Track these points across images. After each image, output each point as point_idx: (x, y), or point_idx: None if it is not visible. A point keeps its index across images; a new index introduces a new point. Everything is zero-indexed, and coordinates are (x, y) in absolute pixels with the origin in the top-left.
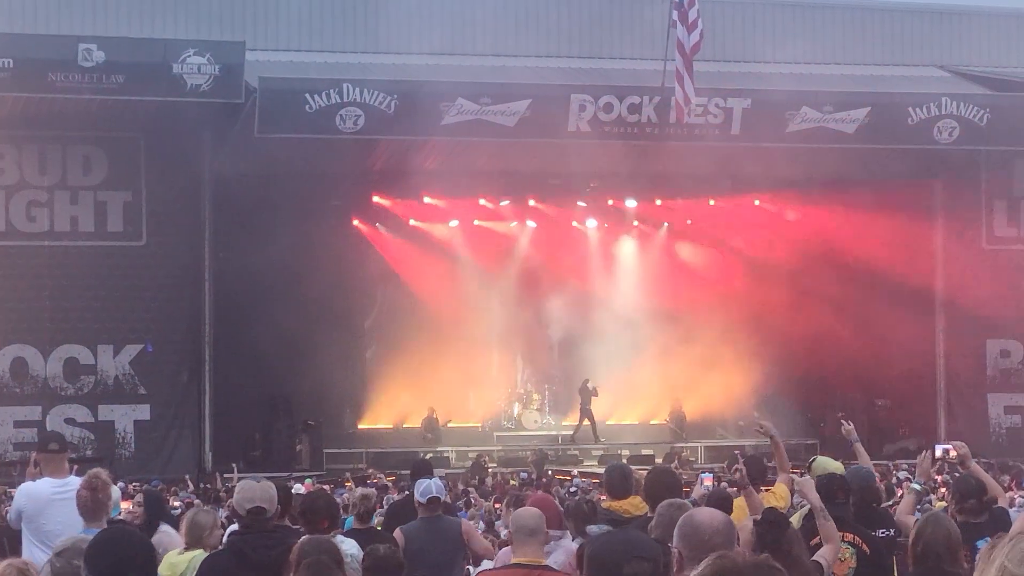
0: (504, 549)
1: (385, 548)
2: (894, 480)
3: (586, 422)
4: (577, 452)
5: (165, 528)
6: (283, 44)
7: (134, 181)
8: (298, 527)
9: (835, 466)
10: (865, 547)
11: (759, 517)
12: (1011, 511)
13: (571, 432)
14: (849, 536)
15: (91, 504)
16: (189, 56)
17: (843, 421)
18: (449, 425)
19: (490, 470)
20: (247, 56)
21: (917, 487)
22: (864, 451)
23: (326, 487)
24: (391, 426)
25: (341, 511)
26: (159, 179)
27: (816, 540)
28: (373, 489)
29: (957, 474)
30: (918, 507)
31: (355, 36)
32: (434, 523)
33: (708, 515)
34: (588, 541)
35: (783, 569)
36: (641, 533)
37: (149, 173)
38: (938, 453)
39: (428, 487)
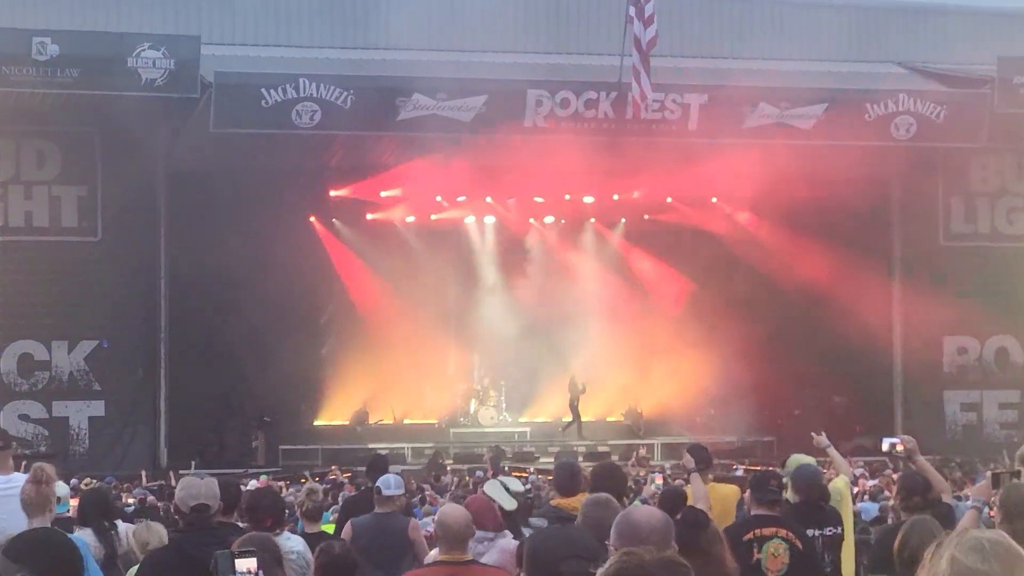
0: (434, 550)
1: (340, 546)
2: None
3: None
4: (533, 449)
5: (123, 527)
6: (239, 39)
7: (89, 176)
8: (245, 524)
9: (807, 461)
10: (798, 544)
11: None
12: (964, 504)
13: (561, 427)
14: (783, 533)
15: (35, 499)
16: (144, 50)
17: (814, 433)
18: (406, 422)
19: (448, 467)
20: (203, 50)
21: (979, 506)
22: (839, 455)
23: (280, 484)
24: (348, 423)
25: (289, 510)
26: (114, 174)
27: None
28: (319, 484)
29: (900, 471)
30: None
31: (311, 31)
32: (384, 519)
33: (646, 513)
34: (528, 537)
35: (689, 566)
36: (582, 531)
37: (104, 168)
38: (885, 447)
39: (388, 481)
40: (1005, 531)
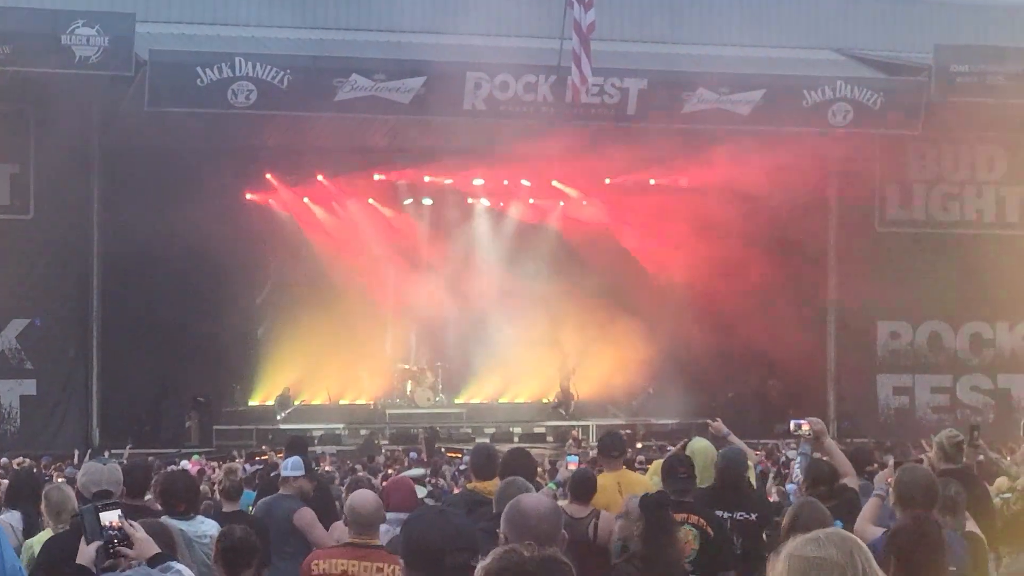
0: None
1: (241, 530)
2: (782, 459)
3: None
4: (470, 430)
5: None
6: (175, 16)
7: (22, 153)
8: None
9: (701, 446)
10: (709, 529)
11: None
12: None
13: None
14: (693, 519)
15: None
16: (78, 27)
17: (709, 421)
18: (341, 403)
19: (383, 448)
20: (137, 28)
21: (881, 493)
22: (738, 440)
23: (213, 464)
24: (272, 404)
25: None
26: (47, 152)
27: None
28: (239, 464)
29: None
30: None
31: (248, 9)
32: (274, 503)
33: (534, 501)
34: (406, 523)
35: (569, 564)
36: (460, 517)
37: (37, 145)
38: (791, 428)
39: (286, 463)
40: (900, 515)
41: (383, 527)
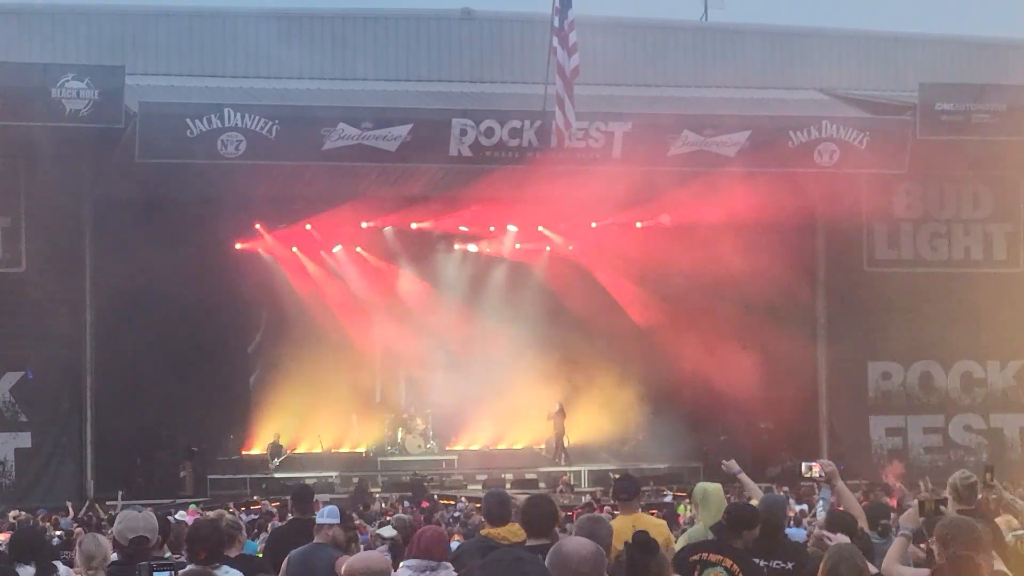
0: None
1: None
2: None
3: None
4: (461, 477)
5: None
6: (163, 68)
7: (13, 207)
8: (178, 556)
9: (713, 488)
10: (740, 574)
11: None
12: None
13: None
14: (728, 563)
15: None
16: (68, 80)
17: (723, 462)
18: (332, 451)
19: (376, 496)
20: (127, 80)
21: (908, 533)
22: (749, 480)
23: (209, 514)
24: (264, 453)
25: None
26: (39, 204)
27: None
28: (232, 515)
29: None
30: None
31: (236, 60)
32: (313, 552)
33: (576, 545)
34: (480, 567)
35: None
36: (536, 564)
37: (29, 198)
38: (803, 470)
39: (322, 511)
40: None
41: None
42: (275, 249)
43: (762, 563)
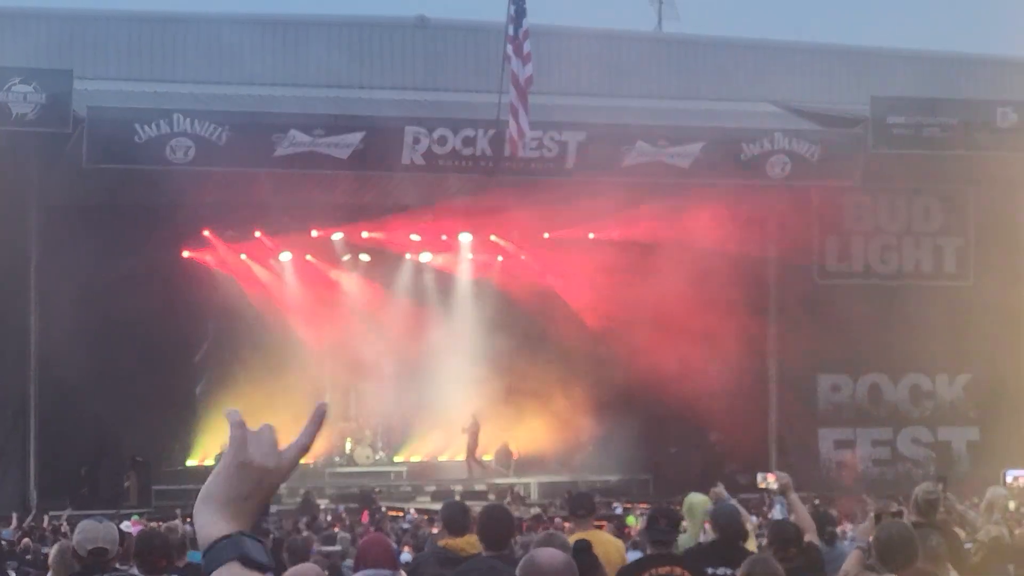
0: None
1: None
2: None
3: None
4: (411, 488)
5: None
6: (112, 73)
7: None
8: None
9: (699, 500)
10: None
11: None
12: (845, 543)
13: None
14: (678, 572)
15: None
16: (15, 84)
17: (713, 488)
18: None
19: (323, 507)
20: (75, 85)
21: (864, 546)
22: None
23: (154, 524)
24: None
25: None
26: None
27: None
28: (177, 523)
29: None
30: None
31: (185, 65)
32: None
33: (548, 556)
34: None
35: None
36: (503, 564)
37: None
38: (758, 481)
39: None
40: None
41: None
42: (223, 257)
43: (720, 571)
